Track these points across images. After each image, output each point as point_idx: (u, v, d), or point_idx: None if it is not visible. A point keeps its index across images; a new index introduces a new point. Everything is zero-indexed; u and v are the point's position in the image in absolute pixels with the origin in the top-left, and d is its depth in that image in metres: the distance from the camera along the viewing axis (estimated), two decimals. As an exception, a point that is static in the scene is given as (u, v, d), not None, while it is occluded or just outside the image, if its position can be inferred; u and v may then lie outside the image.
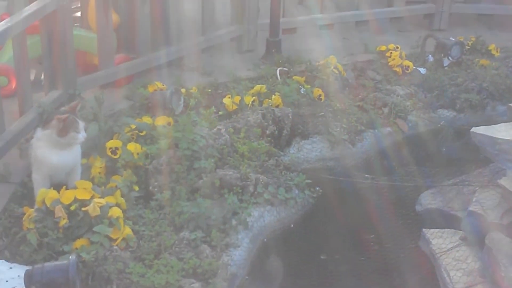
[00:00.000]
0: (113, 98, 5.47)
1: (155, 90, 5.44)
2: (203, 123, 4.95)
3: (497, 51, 7.13)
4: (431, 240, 4.27)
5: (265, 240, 4.39)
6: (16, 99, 4.78)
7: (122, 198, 4.05)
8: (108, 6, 5.48)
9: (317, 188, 4.76)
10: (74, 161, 4.10)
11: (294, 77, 5.99)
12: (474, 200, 4.28)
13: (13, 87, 5.20)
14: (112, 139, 4.61)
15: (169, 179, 4.39)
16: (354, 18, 7.81)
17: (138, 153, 4.48)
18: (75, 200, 3.82)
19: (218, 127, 4.97)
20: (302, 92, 5.80)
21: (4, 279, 3.49)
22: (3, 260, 3.65)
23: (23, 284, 3.28)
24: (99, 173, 4.35)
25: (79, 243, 3.68)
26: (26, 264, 3.58)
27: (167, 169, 4.42)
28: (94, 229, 3.72)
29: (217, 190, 4.39)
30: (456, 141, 5.83)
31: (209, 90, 5.80)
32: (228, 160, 4.71)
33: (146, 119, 4.91)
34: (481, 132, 4.17)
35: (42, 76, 5.39)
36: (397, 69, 6.60)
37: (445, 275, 3.94)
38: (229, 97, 5.53)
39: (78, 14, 6.29)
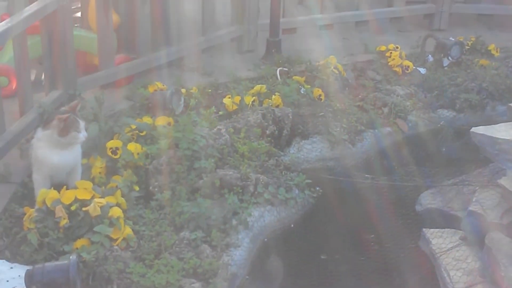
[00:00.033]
0: (113, 98, 5.48)
1: (156, 90, 5.45)
2: (203, 123, 4.96)
3: (497, 51, 7.14)
4: (431, 240, 4.27)
5: (266, 240, 4.40)
6: (16, 100, 4.79)
7: (122, 198, 4.06)
8: (108, 7, 5.49)
9: (317, 188, 4.77)
10: (74, 161, 4.10)
11: (294, 77, 6.00)
12: (474, 200, 4.28)
13: (14, 87, 5.21)
14: (112, 139, 4.62)
15: (170, 179, 4.40)
16: (354, 18, 7.83)
17: (138, 153, 4.49)
18: (76, 200, 3.83)
19: (218, 127, 4.97)
20: (302, 92, 5.81)
21: (4, 279, 3.49)
22: (4, 260, 3.65)
23: (24, 284, 3.28)
24: (100, 173, 4.35)
25: (79, 243, 3.68)
26: (27, 264, 3.58)
27: (167, 169, 4.42)
28: (95, 229, 3.72)
29: (218, 190, 4.40)
30: (456, 141, 5.84)
31: (209, 90, 5.81)
32: (228, 160, 4.72)
33: (147, 119, 4.92)
34: (481, 132, 4.17)
35: (43, 77, 5.39)
36: (397, 69, 6.61)
37: (445, 275, 3.95)
38: (229, 97, 5.53)
39: (79, 14, 6.30)
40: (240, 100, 5.47)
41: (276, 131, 5.25)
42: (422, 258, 4.27)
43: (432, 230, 4.37)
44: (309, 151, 5.31)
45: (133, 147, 4.50)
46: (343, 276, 4.18)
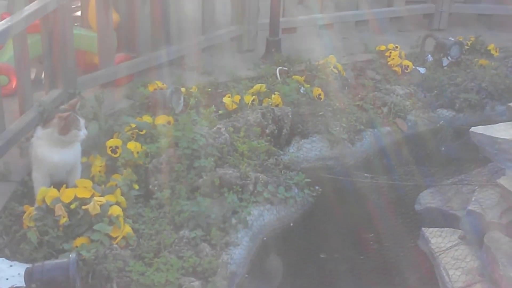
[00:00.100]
0: (113, 97, 5.49)
1: (155, 89, 5.45)
2: (203, 122, 4.96)
3: (496, 51, 7.14)
4: (430, 239, 4.28)
5: (265, 238, 4.40)
6: (16, 98, 4.80)
7: (122, 197, 4.06)
8: (109, 6, 5.49)
9: (317, 187, 4.77)
10: (74, 160, 4.11)
11: (293, 77, 6.00)
12: (473, 199, 4.28)
13: (14, 86, 5.21)
14: (112, 138, 4.63)
15: (169, 178, 4.40)
16: (354, 17, 7.83)
17: (138, 152, 4.49)
18: (75, 198, 3.83)
19: (218, 126, 4.98)
20: (302, 92, 5.81)
21: (4, 277, 3.49)
22: (4, 258, 3.66)
23: (24, 282, 3.29)
24: (99, 171, 4.36)
25: (79, 241, 3.69)
26: (27, 262, 3.59)
27: (167, 168, 4.43)
28: (94, 227, 3.73)
29: (217, 189, 4.40)
30: (455, 141, 5.84)
31: (209, 90, 5.81)
32: (228, 159, 4.72)
33: (146, 118, 4.92)
34: (480, 132, 4.18)
35: (42, 75, 5.40)
36: (396, 68, 6.61)
37: (444, 274, 3.95)
38: (229, 96, 5.54)
39: (79, 13, 6.30)
40: (239, 99, 5.47)
41: (276, 130, 5.26)
42: (421, 257, 4.28)
43: (431, 229, 4.38)
44: (308, 150, 5.31)
45: (133, 146, 4.51)
46: (342, 275, 4.18)
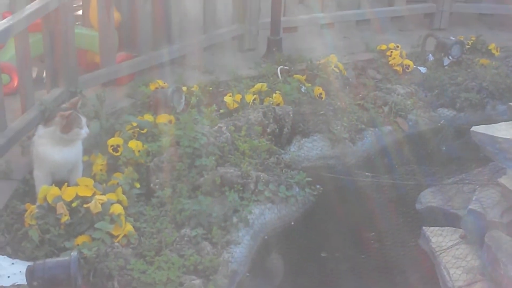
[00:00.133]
0: (114, 96, 5.49)
1: (157, 88, 5.45)
2: (204, 121, 4.96)
3: (497, 51, 7.13)
4: (431, 238, 4.28)
5: (266, 237, 4.41)
6: (18, 97, 4.80)
7: (123, 195, 4.07)
8: (110, 4, 5.49)
9: (318, 186, 4.78)
10: (76, 158, 4.12)
11: (295, 76, 6.00)
12: (474, 198, 4.28)
13: (15, 85, 5.21)
14: (113, 136, 4.64)
15: (170, 176, 4.41)
16: (355, 17, 7.82)
17: (139, 151, 4.50)
18: (77, 197, 3.84)
19: (219, 125, 4.98)
20: (303, 91, 5.81)
21: (6, 274, 3.50)
22: (5, 256, 3.67)
23: (25, 280, 3.29)
24: (101, 170, 4.37)
25: (80, 239, 3.70)
26: (28, 260, 3.59)
27: (168, 166, 4.43)
28: (96, 225, 3.74)
29: (218, 188, 4.41)
30: (456, 140, 5.83)
31: (211, 89, 5.81)
32: (229, 158, 4.73)
33: (148, 117, 4.93)
34: (481, 131, 4.17)
35: (44, 74, 5.40)
36: (397, 68, 6.61)
37: (445, 273, 3.96)
38: (230, 96, 5.54)
39: (80, 12, 6.30)
40: (241, 98, 5.48)
41: (277, 129, 5.26)
42: (422, 256, 4.28)
43: (432, 228, 4.38)
44: (309, 149, 5.31)
45: (134, 144, 4.52)
46: (343, 274, 4.19)
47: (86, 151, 4.35)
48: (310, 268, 4.24)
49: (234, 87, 5.82)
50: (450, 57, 6.76)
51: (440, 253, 4.11)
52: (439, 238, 4.26)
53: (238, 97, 5.49)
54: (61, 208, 3.75)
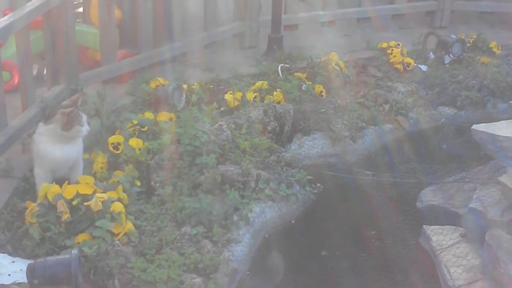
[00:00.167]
0: (115, 94, 5.49)
1: (157, 86, 5.45)
2: (205, 119, 4.96)
3: (498, 49, 7.13)
4: (431, 236, 4.28)
5: (267, 235, 4.41)
6: (18, 94, 4.80)
7: (124, 193, 4.07)
8: (111, 2, 5.49)
9: (318, 185, 4.78)
10: (76, 156, 4.12)
11: (295, 74, 5.99)
12: (474, 197, 4.28)
13: (16, 82, 5.21)
14: (114, 134, 4.64)
15: (171, 174, 4.41)
16: (356, 15, 7.81)
17: (140, 149, 4.50)
18: (77, 194, 3.84)
19: (219, 123, 4.98)
20: (304, 89, 5.81)
21: (6, 272, 3.51)
22: (6, 254, 3.67)
23: (26, 278, 3.29)
24: (101, 168, 4.36)
25: (81, 237, 3.70)
26: (29, 258, 3.60)
27: (169, 164, 4.43)
28: (96, 223, 3.74)
29: (219, 186, 4.41)
30: (456, 138, 5.83)
31: (211, 86, 5.80)
32: (229, 156, 4.72)
33: (148, 115, 4.93)
34: (482, 130, 4.17)
35: (45, 72, 5.40)
36: (398, 66, 6.61)
37: (445, 272, 3.96)
38: (231, 93, 5.54)
39: (81, 9, 6.29)
40: (241, 96, 5.47)
41: (278, 127, 5.26)
42: (422, 254, 4.29)
43: (432, 227, 4.38)
44: (310, 147, 5.31)
45: (134, 142, 4.52)
46: (343, 272, 4.19)
47: (87, 148, 4.35)
48: (311, 266, 4.24)
49: (235, 85, 5.81)
50: (451, 55, 6.75)
51: (441, 252, 4.12)
52: (440, 236, 4.26)
53: (238, 95, 5.48)
54: (61, 206, 3.75)
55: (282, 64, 6.26)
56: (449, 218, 4.51)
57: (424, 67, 6.70)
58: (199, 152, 4.54)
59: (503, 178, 4.11)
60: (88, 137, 4.20)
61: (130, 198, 4.13)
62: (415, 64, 6.66)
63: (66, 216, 3.74)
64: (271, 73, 6.13)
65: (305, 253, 4.36)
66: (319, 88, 5.81)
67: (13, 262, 3.60)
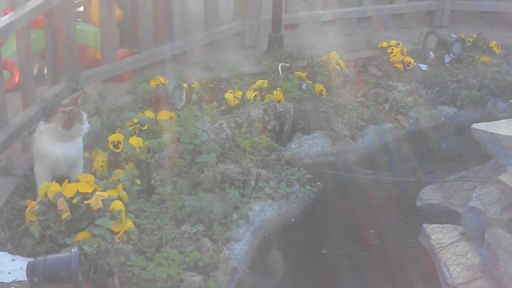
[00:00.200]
0: (115, 93, 5.49)
1: (158, 84, 5.46)
2: (205, 117, 4.97)
3: (498, 48, 7.13)
4: (431, 235, 4.29)
5: (266, 234, 4.42)
6: (19, 93, 4.80)
7: (124, 192, 4.08)
8: (111, 1, 5.49)
9: (318, 183, 4.78)
10: (76, 154, 4.12)
11: (295, 73, 6.00)
12: (474, 195, 4.29)
13: (16, 81, 5.22)
14: (114, 133, 4.64)
15: (171, 173, 4.41)
16: (356, 14, 7.80)
17: (140, 147, 4.50)
18: (77, 193, 3.85)
19: (220, 121, 4.99)
20: (304, 88, 5.81)
21: (6, 271, 3.51)
22: (6, 252, 3.67)
23: (26, 276, 3.30)
24: (101, 166, 4.37)
25: (81, 236, 3.71)
26: (29, 257, 3.60)
27: (169, 163, 4.44)
28: (96, 222, 3.74)
29: (219, 184, 4.41)
30: (456, 137, 5.83)
31: (211, 85, 5.81)
32: (229, 155, 4.73)
33: (149, 114, 4.94)
34: (482, 129, 4.18)
35: (45, 70, 5.41)
36: (398, 65, 6.61)
37: (445, 270, 3.96)
38: (231, 92, 5.54)
39: (81, 8, 6.30)
40: (241, 95, 5.48)
41: (278, 126, 5.26)
42: (422, 253, 4.29)
43: (432, 225, 4.39)
44: (310, 146, 5.31)
45: (135, 141, 4.52)
46: (343, 271, 4.20)
47: (87, 147, 4.36)
48: (310, 265, 4.25)
49: (235, 84, 5.82)
50: (451, 54, 6.75)
51: (440, 250, 4.12)
52: (439, 235, 4.26)
53: (239, 94, 5.49)
54: (61, 205, 3.76)
55: (283, 63, 6.26)
56: (448, 216, 4.52)
57: (424, 66, 6.71)
58: (199, 151, 4.55)
59: (502, 177, 4.12)
60: (89, 135, 4.21)
61: (130, 196, 4.14)
62: (415, 64, 6.67)
63: (66, 215, 3.75)
64: (272, 72, 6.13)
65: (305, 252, 4.37)
66: (319, 87, 5.82)
67: (13, 260, 3.60)
